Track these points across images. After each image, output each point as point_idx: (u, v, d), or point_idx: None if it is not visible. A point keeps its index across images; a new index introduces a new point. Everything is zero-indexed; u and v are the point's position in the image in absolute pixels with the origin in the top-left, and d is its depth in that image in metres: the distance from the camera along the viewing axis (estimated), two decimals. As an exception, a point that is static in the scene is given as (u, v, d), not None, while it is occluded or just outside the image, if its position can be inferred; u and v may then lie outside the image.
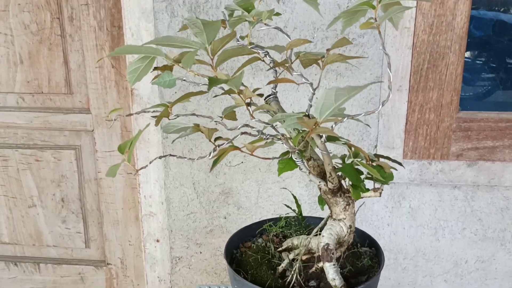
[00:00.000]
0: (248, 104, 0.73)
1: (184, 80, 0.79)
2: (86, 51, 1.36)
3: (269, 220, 0.89)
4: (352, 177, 0.74)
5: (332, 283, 0.70)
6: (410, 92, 1.18)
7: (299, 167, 0.76)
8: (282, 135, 0.75)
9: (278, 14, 0.83)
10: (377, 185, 0.78)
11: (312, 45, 1.17)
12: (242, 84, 0.70)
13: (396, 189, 1.27)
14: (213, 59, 0.73)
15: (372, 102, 1.20)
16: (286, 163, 0.77)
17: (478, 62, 2.41)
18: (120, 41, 1.33)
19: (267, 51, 0.84)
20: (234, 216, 1.33)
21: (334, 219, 0.78)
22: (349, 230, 0.77)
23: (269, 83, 0.79)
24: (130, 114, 0.84)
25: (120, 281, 1.58)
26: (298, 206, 0.90)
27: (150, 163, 0.76)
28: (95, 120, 1.42)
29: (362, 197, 0.77)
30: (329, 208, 0.79)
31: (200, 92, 0.74)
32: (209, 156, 0.73)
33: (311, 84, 0.72)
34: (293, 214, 0.91)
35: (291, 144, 0.74)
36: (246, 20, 0.83)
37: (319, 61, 0.74)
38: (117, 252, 1.55)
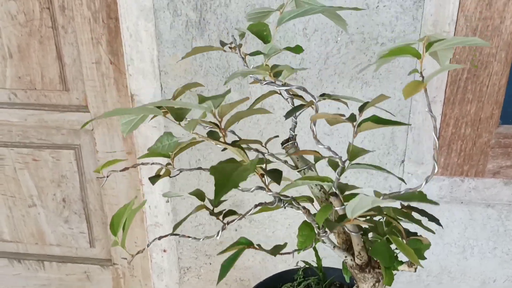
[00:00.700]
0: (263, 175, 0.61)
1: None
2: (81, 45, 1.22)
3: (285, 272, 0.79)
4: (384, 260, 0.63)
5: None
6: (445, 104, 1.04)
7: (322, 241, 0.65)
8: (303, 207, 0.64)
9: (300, 50, 0.69)
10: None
11: (335, 49, 1.02)
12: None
13: (424, 206, 1.15)
14: (221, 122, 0.60)
15: (402, 113, 1.07)
16: (307, 237, 0.66)
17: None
18: (118, 35, 1.18)
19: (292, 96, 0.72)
20: (245, 229, 1.24)
21: (359, 293, 0.67)
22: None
23: (292, 154, 0.67)
24: (133, 166, 0.72)
25: (127, 281, 1.52)
26: (318, 259, 0.79)
27: (149, 244, 0.65)
28: (94, 120, 1.30)
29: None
30: (356, 282, 0.68)
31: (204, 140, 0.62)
32: (217, 236, 0.62)
33: (340, 158, 0.59)
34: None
35: (314, 220, 0.63)
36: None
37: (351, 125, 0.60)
38: (123, 253, 1.48)
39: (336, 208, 0.59)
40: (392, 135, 1.09)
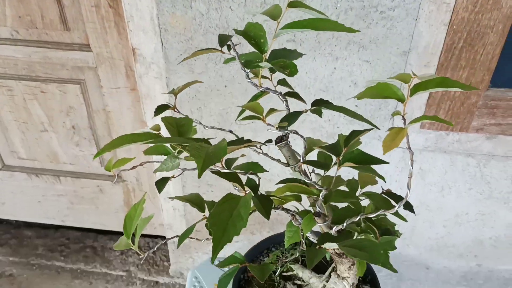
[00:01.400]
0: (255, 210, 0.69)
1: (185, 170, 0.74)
2: (79, -14, 1.20)
3: (277, 235, 0.91)
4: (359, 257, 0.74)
5: None
6: (438, 69, 1.07)
7: (307, 237, 0.75)
8: (292, 214, 0.73)
9: (295, 72, 0.72)
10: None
11: (335, 15, 1.03)
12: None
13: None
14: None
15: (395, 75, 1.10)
16: (294, 232, 0.76)
17: None
18: (116, -21, 1.16)
19: (286, 99, 0.76)
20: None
21: (338, 276, 0.80)
22: (351, 287, 0.80)
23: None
24: (141, 164, 0.80)
25: (137, 194, 1.67)
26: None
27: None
28: (97, 59, 1.33)
29: (366, 266, 0.78)
30: (334, 263, 0.80)
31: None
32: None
33: (324, 188, 0.67)
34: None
35: (300, 226, 0.72)
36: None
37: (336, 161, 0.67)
38: (132, 171, 1.60)
39: (319, 224, 0.68)
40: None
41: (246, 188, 0.71)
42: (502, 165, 1.23)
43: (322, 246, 0.65)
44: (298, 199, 0.79)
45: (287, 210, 0.73)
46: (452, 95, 1.11)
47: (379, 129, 0.67)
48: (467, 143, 1.20)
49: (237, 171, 0.71)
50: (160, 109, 0.78)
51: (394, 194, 0.86)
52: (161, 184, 0.74)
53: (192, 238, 0.76)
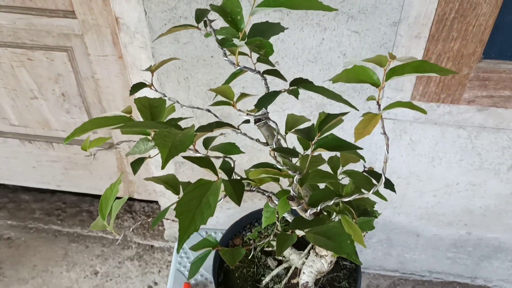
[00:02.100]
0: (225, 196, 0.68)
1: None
2: (60, -50, 1.16)
3: (259, 211, 0.91)
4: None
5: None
6: (429, 40, 1.04)
7: (283, 217, 0.75)
8: (268, 195, 0.72)
9: (271, 52, 0.69)
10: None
11: None
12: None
13: (399, 124, 1.23)
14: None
15: (385, 47, 1.07)
16: (271, 213, 0.76)
17: None
18: None
19: (265, 78, 0.75)
20: (232, 135, 1.33)
21: (317, 254, 0.80)
22: (329, 265, 0.81)
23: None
24: (117, 144, 0.79)
25: (129, 160, 1.68)
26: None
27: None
28: (82, 26, 1.30)
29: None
30: (313, 241, 0.80)
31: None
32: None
33: (298, 173, 0.66)
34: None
35: (276, 208, 0.72)
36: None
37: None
38: (124, 138, 1.60)
39: (294, 207, 0.68)
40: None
41: (220, 171, 0.70)
42: (493, 136, 1.21)
43: (294, 231, 0.65)
44: (276, 180, 0.79)
45: (263, 192, 0.72)
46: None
47: (358, 110, 0.66)
48: (458, 115, 1.17)
49: (213, 153, 0.70)
50: (135, 87, 0.76)
51: (375, 173, 0.85)
52: (136, 165, 0.74)
53: (168, 219, 0.76)
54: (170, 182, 0.74)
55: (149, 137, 0.69)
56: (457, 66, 1.08)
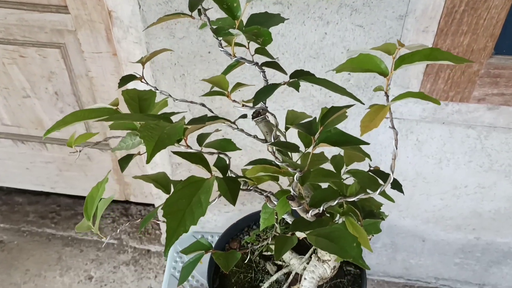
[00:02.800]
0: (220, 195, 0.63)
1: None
2: None
3: (256, 213, 0.86)
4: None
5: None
6: (437, 34, 0.99)
7: (283, 218, 0.69)
8: (266, 195, 0.67)
9: (269, 41, 0.64)
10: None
11: (324, -26, 0.94)
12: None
13: (405, 124, 1.17)
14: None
15: (391, 41, 1.02)
16: (270, 214, 0.70)
17: None
18: None
19: (263, 70, 0.70)
20: (231, 134, 1.28)
21: (319, 259, 0.75)
22: (332, 270, 0.76)
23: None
24: (105, 139, 0.74)
25: (125, 162, 1.62)
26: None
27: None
28: (75, 21, 1.25)
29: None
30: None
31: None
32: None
33: (299, 170, 0.61)
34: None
35: (274, 208, 0.66)
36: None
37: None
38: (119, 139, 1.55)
39: (294, 208, 0.63)
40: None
41: (214, 168, 0.65)
42: (504, 137, 1.16)
43: (294, 233, 0.60)
44: (275, 178, 0.73)
45: (261, 192, 0.67)
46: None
47: (363, 103, 0.60)
48: (467, 113, 1.12)
49: (207, 149, 0.65)
50: (125, 80, 0.71)
51: (382, 172, 0.80)
52: (124, 162, 0.69)
53: (158, 221, 0.71)
54: (160, 181, 0.68)
55: (137, 132, 0.64)
56: (467, 61, 1.02)
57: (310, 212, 0.63)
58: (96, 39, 1.27)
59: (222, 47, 0.69)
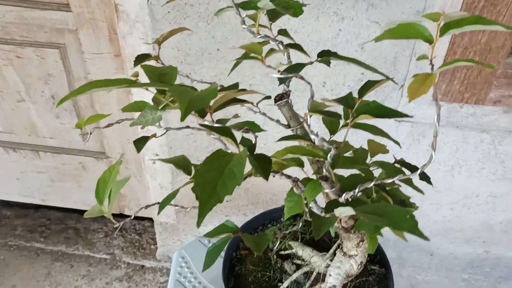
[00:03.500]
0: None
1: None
2: None
3: (274, 210, 0.81)
4: (370, 231, 0.64)
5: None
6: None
7: (310, 208, 0.64)
8: (293, 180, 0.62)
9: (299, 12, 0.61)
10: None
11: (342, -34, 0.91)
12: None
13: (418, 128, 1.14)
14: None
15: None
16: (296, 202, 0.65)
17: None
18: None
19: (288, 50, 0.66)
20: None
21: (345, 254, 0.70)
22: (359, 266, 0.70)
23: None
24: (118, 122, 0.69)
25: (121, 173, 1.56)
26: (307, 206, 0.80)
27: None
28: (77, 20, 1.21)
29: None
30: (340, 239, 0.70)
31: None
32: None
33: (335, 147, 0.56)
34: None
35: (302, 193, 0.61)
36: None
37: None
38: (116, 147, 1.49)
39: (326, 190, 0.58)
40: (394, 59, 1.03)
41: (241, 147, 0.60)
42: (519, 142, 1.13)
43: (329, 215, 0.55)
44: (300, 164, 0.69)
45: (288, 176, 0.62)
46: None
47: (397, 83, 0.57)
48: (483, 117, 1.09)
49: (231, 127, 0.60)
50: (140, 58, 0.67)
51: (408, 164, 0.76)
52: (140, 142, 0.64)
53: (176, 205, 0.66)
54: (180, 162, 0.63)
55: (158, 106, 0.59)
56: (485, 61, 1.00)
57: (344, 195, 0.58)
58: (98, 39, 1.23)
59: (244, 24, 0.66)
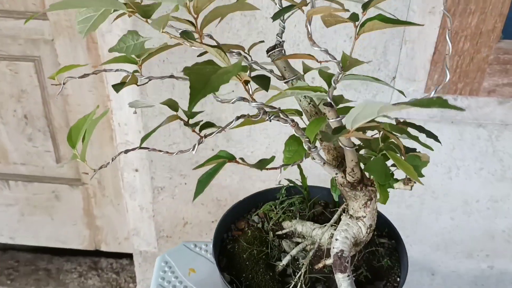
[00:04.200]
0: (247, 83, 0.52)
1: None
2: None
3: (266, 191, 0.73)
4: (380, 177, 0.57)
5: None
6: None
7: (312, 157, 0.57)
8: (292, 120, 0.55)
9: None
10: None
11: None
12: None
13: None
14: (196, 19, 0.50)
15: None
16: (295, 152, 0.58)
17: None
18: None
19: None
20: (223, 148, 1.16)
21: (351, 216, 0.62)
22: (368, 230, 0.62)
23: (283, 57, 0.58)
24: (94, 72, 0.62)
25: (98, 200, 1.46)
26: (303, 177, 0.73)
27: (114, 158, 0.57)
28: (54, 29, 1.16)
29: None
30: (345, 200, 0.62)
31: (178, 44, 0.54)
32: (193, 150, 0.54)
33: (338, 63, 0.51)
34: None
35: (304, 135, 0.54)
36: None
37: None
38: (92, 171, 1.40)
39: (331, 121, 0.51)
40: (384, 49, 1.00)
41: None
42: (516, 136, 1.09)
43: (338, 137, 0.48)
44: (299, 113, 0.62)
45: (287, 117, 0.55)
46: (461, 48, 0.98)
47: (404, 94, 0.52)
48: (478, 109, 1.06)
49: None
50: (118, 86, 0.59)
51: (413, 124, 0.71)
52: (118, 87, 0.56)
53: (154, 149, 0.57)
54: (168, 102, 0.56)
55: (141, 33, 0.53)
56: (476, 46, 0.98)
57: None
58: (75, 49, 1.18)
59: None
